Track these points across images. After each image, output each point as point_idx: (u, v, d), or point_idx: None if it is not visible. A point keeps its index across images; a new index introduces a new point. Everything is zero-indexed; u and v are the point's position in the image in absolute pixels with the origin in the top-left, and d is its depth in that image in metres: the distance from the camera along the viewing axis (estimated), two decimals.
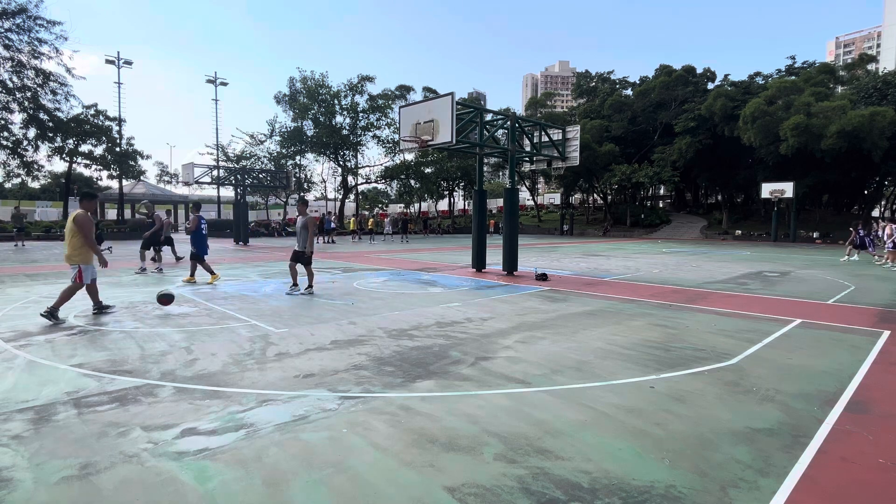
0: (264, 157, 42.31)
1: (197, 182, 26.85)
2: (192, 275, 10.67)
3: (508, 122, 13.21)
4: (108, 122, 35.37)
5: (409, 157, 43.21)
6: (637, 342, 5.64)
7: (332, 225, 29.44)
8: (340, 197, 46.67)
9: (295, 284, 9.21)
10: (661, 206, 52.94)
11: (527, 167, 16.74)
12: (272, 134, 42.28)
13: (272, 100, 47.17)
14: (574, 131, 13.93)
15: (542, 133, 14.16)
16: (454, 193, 55.90)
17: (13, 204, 37.80)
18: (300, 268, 9.36)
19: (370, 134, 43.64)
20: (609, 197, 50.06)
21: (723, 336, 6.00)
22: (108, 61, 33.26)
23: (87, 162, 36.03)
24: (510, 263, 12.54)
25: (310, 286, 9.10)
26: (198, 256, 10.51)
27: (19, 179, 35.22)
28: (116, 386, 4.05)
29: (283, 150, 42.42)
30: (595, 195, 53.18)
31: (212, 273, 10.53)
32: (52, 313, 6.37)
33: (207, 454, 2.89)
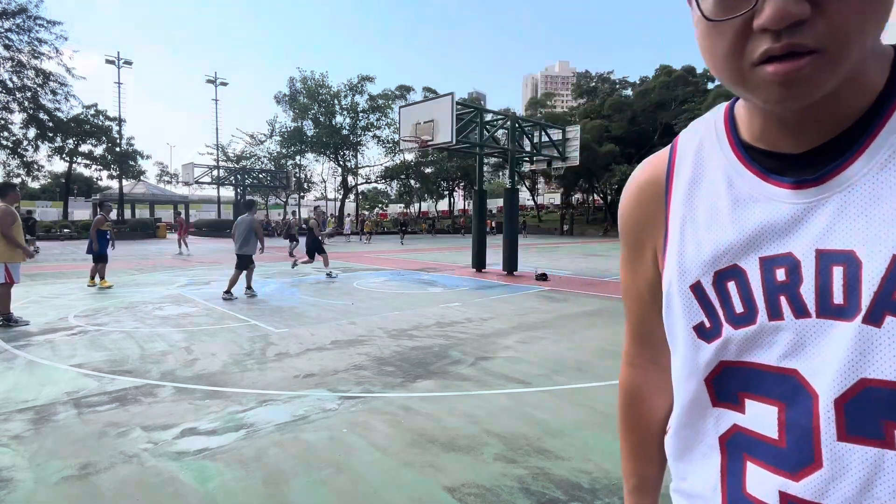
0: (264, 157, 42.38)
1: (197, 182, 26.94)
2: (103, 278, 10.15)
3: (508, 122, 13.21)
4: (108, 122, 35.45)
5: (409, 157, 43.27)
6: None
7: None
8: (340, 197, 46.71)
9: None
10: None
11: (527, 167, 16.74)
12: (272, 134, 42.34)
13: (272, 100, 47.35)
14: (574, 131, 13.93)
15: (542, 133, 14.15)
16: (454, 193, 55.92)
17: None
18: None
19: (370, 134, 43.73)
20: (609, 197, 50.02)
21: None
22: (108, 61, 33.25)
23: (87, 162, 36.11)
24: (510, 263, 12.54)
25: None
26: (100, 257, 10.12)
27: (19, 179, 35.26)
28: (116, 386, 4.05)
29: (283, 150, 42.47)
30: (595, 195, 53.19)
31: (92, 278, 9.89)
32: (6, 318, 6.20)
33: (207, 454, 2.89)
